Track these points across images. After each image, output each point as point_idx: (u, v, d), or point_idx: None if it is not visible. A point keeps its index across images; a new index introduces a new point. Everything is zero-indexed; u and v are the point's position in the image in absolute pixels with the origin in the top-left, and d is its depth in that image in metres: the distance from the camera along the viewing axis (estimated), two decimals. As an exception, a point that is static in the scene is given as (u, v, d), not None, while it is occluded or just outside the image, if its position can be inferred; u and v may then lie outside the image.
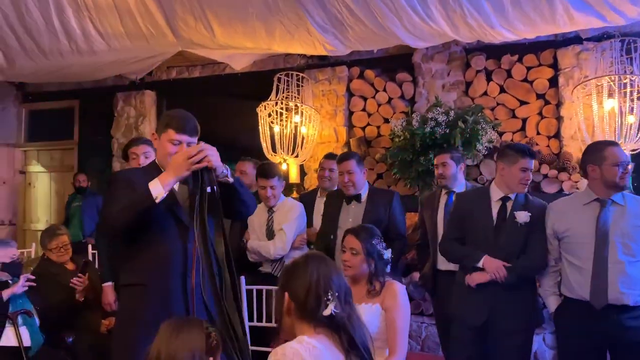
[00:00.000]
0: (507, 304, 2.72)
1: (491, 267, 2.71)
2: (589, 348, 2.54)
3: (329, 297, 1.53)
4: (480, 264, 2.73)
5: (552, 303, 2.76)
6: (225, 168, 2.13)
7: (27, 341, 3.05)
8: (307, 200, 3.90)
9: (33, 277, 3.14)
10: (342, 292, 1.57)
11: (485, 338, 2.78)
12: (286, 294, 1.57)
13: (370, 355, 1.58)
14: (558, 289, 2.77)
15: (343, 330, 1.53)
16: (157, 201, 2.00)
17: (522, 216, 2.75)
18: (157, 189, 2.01)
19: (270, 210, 3.59)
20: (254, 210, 2.43)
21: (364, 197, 3.49)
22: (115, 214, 2.06)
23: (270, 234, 3.52)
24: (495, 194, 2.86)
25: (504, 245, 2.76)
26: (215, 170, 2.06)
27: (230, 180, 2.15)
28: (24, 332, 3.06)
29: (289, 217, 3.54)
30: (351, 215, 3.45)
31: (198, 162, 2.02)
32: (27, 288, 3.10)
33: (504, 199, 2.84)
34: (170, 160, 2.13)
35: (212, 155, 2.05)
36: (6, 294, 3.06)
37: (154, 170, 2.23)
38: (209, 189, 2.04)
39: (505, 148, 2.99)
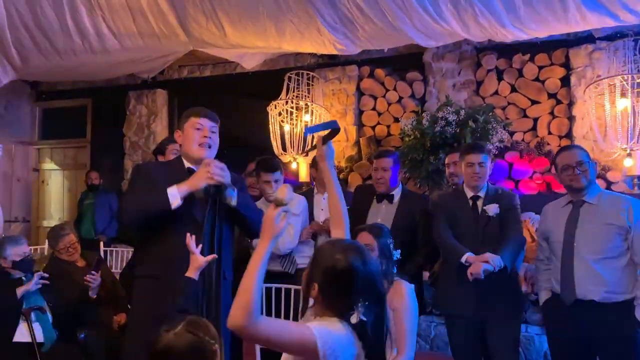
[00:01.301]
0: (495, 294, 2.75)
1: (477, 261, 2.74)
2: (571, 340, 2.60)
3: (360, 306, 1.43)
4: (463, 260, 2.76)
5: (542, 297, 2.83)
6: (233, 189, 2.22)
7: (40, 337, 3.08)
8: (305, 196, 3.87)
9: (47, 275, 3.17)
10: (374, 295, 1.46)
11: (481, 331, 2.83)
12: (316, 285, 1.47)
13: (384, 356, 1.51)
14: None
15: (365, 333, 1.45)
16: (172, 207, 2.11)
17: (492, 208, 2.84)
18: (174, 196, 2.12)
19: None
20: None
21: (396, 198, 3.35)
22: (130, 211, 2.19)
23: None
24: (467, 194, 2.96)
25: (483, 240, 2.82)
26: (225, 187, 2.18)
27: (233, 203, 2.22)
28: (37, 328, 3.09)
29: (294, 211, 3.46)
30: (381, 215, 3.32)
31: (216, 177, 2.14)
32: (40, 286, 3.14)
33: (474, 198, 2.93)
34: (194, 147, 2.29)
35: (224, 174, 2.18)
36: (20, 291, 3.10)
37: (178, 165, 2.35)
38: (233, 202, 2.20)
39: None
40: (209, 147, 2.32)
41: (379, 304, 1.48)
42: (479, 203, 2.91)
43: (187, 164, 2.34)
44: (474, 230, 2.87)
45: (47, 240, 3.74)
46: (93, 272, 3.22)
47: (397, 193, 3.38)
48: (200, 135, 2.30)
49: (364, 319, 1.42)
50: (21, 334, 3.07)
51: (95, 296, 3.26)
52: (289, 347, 1.43)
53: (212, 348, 1.38)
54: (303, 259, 3.46)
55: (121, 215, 2.29)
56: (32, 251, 3.99)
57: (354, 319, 1.42)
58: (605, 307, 2.50)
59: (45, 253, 4.78)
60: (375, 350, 1.47)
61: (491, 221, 2.85)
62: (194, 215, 2.22)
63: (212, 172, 2.13)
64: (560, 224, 2.67)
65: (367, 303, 1.44)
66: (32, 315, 3.11)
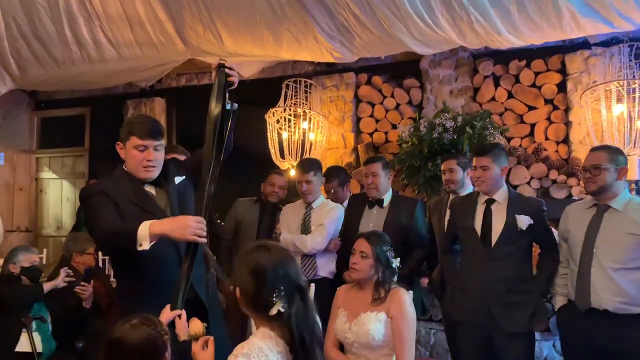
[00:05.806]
0: (505, 305, 2.72)
1: None
2: (585, 350, 2.55)
3: (275, 297, 1.49)
4: None
5: (557, 302, 2.76)
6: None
7: (38, 347, 3.08)
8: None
9: (71, 272, 3.22)
10: (292, 286, 1.52)
11: (489, 342, 2.78)
12: (237, 289, 1.56)
13: (320, 347, 1.57)
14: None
15: (291, 327, 1.50)
16: (139, 249, 1.94)
17: (524, 221, 2.71)
18: (144, 238, 1.94)
19: (309, 206, 3.52)
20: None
21: (386, 203, 3.44)
22: (104, 235, 2.06)
23: (305, 231, 3.45)
24: (481, 198, 2.90)
25: (496, 248, 2.76)
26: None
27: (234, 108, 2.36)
28: (36, 338, 3.10)
29: (331, 216, 3.45)
30: (372, 220, 3.41)
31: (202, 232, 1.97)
32: (67, 284, 3.18)
33: (488, 202, 2.84)
34: (139, 170, 2.17)
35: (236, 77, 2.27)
36: (48, 286, 3.14)
37: (125, 178, 2.22)
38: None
39: None
40: (154, 166, 2.21)
41: (300, 296, 1.53)
42: (494, 207, 2.81)
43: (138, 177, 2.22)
44: (481, 237, 2.78)
45: (66, 246, 3.73)
46: (84, 283, 3.24)
47: (387, 198, 3.47)
48: (143, 158, 2.18)
49: (282, 310, 1.48)
50: (21, 344, 3.07)
51: (89, 306, 3.27)
52: None
53: (163, 339, 1.60)
54: (322, 271, 3.45)
55: (97, 237, 2.12)
56: (41, 260, 3.99)
57: (273, 311, 1.48)
58: (619, 318, 2.43)
59: (44, 262, 4.78)
60: (305, 339, 1.51)
61: (515, 233, 2.71)
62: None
63: (198, 233, 1.94)
64: (581, 227, 2.57)
65: (283, 294, 1.49)
66: (33, 325, 3.11)
